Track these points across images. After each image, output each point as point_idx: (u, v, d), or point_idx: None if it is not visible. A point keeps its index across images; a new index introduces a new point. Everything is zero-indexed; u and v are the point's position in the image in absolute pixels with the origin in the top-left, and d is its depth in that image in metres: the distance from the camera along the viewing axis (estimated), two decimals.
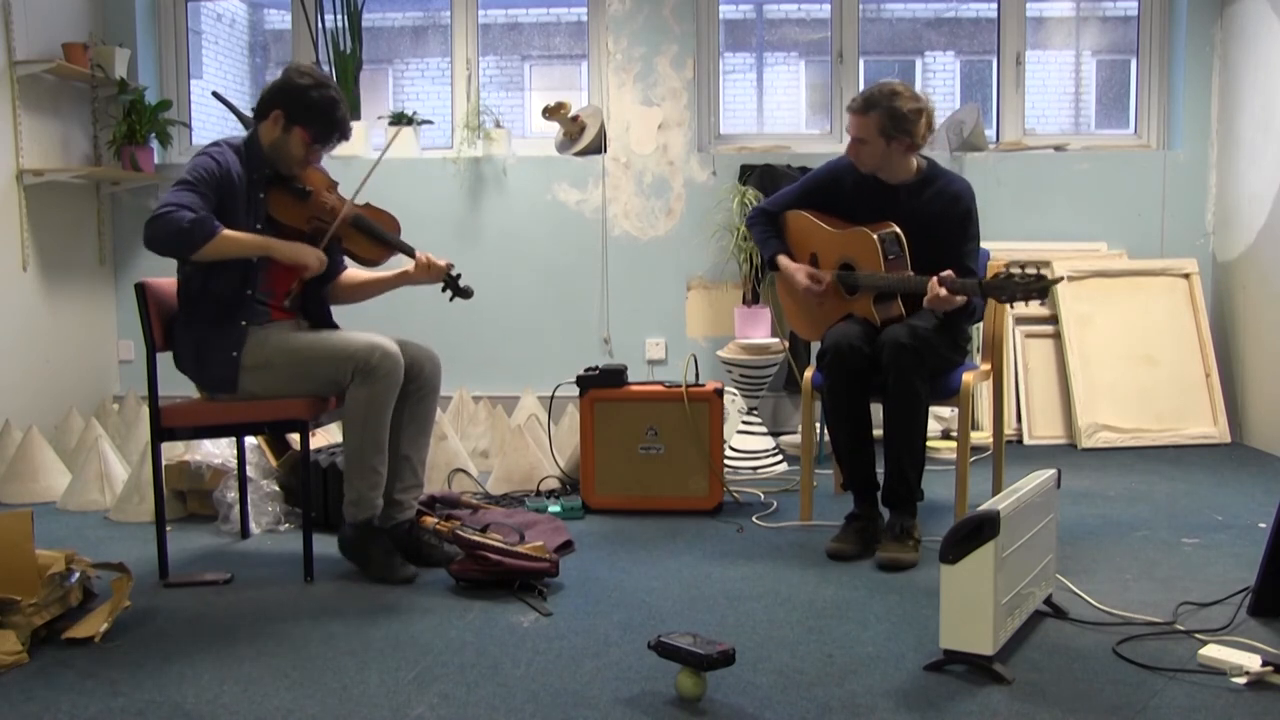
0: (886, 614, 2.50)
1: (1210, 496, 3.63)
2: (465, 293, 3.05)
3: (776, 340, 4.39)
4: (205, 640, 2.38)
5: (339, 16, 4.92)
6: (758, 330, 4.48)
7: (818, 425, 3.92)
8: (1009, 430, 4.57)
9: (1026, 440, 4.59)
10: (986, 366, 3.44)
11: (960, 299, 2.87)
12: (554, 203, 4.92)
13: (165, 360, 2.83)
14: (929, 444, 3.81)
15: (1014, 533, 2.17)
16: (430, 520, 2.92)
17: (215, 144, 2.82)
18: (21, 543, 2.37)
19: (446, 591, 2.69)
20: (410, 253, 3.01)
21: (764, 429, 4.27)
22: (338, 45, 4.92)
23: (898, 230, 3.08)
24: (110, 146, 4.87)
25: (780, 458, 4.17)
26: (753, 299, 4.61)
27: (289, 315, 2.93)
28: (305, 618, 2.52)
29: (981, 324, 3.44)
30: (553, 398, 4.07)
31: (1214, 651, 2.15)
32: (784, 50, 5.72)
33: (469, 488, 3.72)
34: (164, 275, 2.91)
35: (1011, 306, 3.12)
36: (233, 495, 3.32)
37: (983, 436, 4.24)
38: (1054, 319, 4.71)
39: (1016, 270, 2.74)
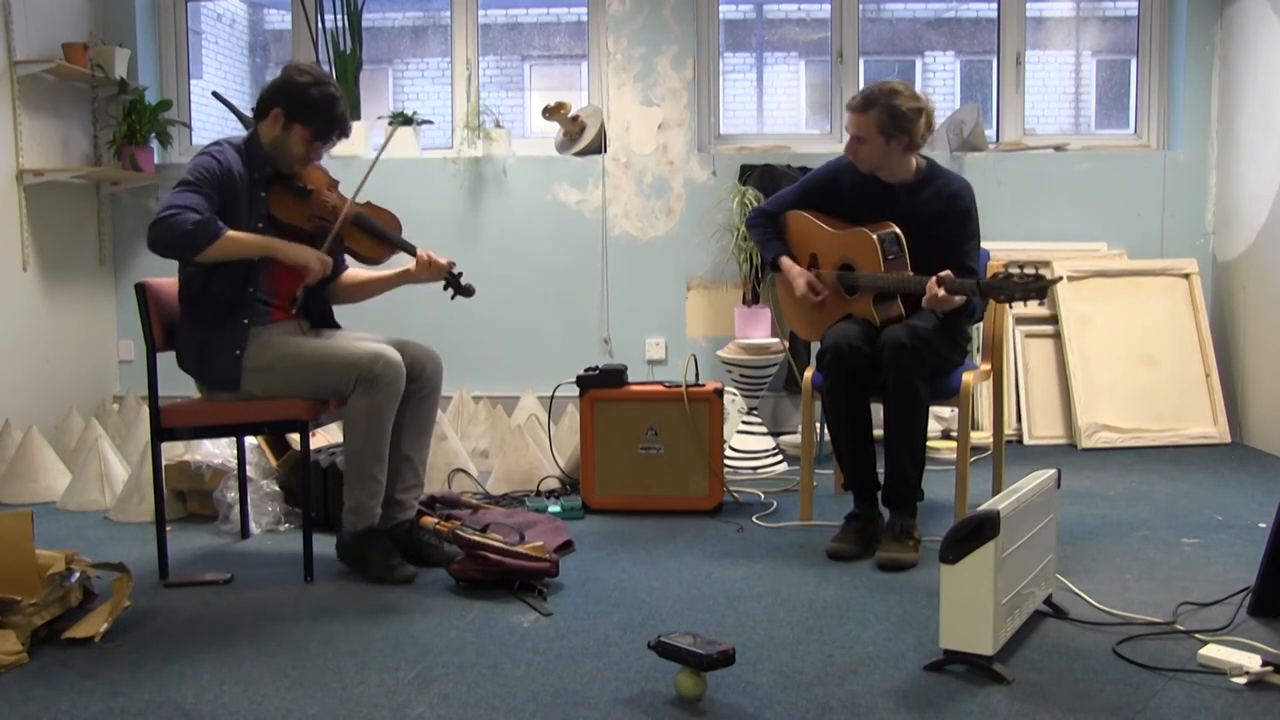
0: (886, 614, 2.50)
1: (1210, 496, 3.63)
2: (467, 290, 3.05)
3: (776, 340, 4.39)
4: (205, 640, 2.38)
5: (339, 16, 4.91)
6: (758, 330, 4.48)
7: (818, 425, 3.92)
8: (1009, 430, 4.57)
9: (1026, 440, 4.59)
10: (986, 366, 3.44)
11: (959, 299, 2.87)
12: (554, 203, 4.92)
13: (165, 360, 2.82)
14: (929, 444, 3.81)
15: (1014, 533, 2.17)
16: (430, 520, 2.92)
17: (216, 143, 2.82)
18: (21, 543, 2.37)
19: (446, 591, 2.69)
20: (412, 251, 3.01)
21: (764, 429, 4.27)
22: (338, 45, 4.92)
23: (897, 230, 3.08)
24: (110, 146, 4.87)
25: (780, 458, 4.17)
26: (753, 299, 4.61)
27: (291, 315, 2.92)
28: (305, 618, 2.52)
29: (981, 324, 3.44)
30: (553, 398, 4.07)
31: (1214, 651, 2.15)
32: (784, 50, 5.71)
33: (469, 488, 3.72)
34: (164, 275, 2.90)
35: (1010, 306, 3.13)
36: (233, 495, 3.32)
37: (983, 436, 4.24)
38: (1054, 319, 4.71)
39: (1015, 270, 2.74)
